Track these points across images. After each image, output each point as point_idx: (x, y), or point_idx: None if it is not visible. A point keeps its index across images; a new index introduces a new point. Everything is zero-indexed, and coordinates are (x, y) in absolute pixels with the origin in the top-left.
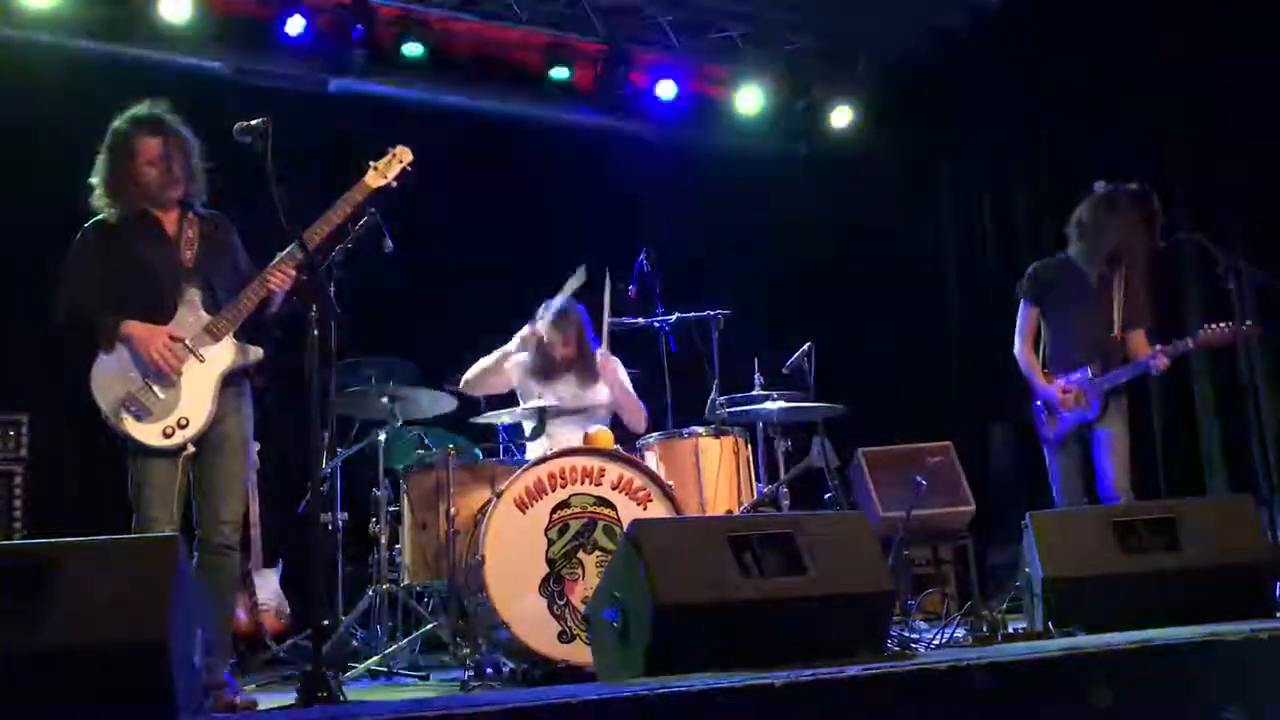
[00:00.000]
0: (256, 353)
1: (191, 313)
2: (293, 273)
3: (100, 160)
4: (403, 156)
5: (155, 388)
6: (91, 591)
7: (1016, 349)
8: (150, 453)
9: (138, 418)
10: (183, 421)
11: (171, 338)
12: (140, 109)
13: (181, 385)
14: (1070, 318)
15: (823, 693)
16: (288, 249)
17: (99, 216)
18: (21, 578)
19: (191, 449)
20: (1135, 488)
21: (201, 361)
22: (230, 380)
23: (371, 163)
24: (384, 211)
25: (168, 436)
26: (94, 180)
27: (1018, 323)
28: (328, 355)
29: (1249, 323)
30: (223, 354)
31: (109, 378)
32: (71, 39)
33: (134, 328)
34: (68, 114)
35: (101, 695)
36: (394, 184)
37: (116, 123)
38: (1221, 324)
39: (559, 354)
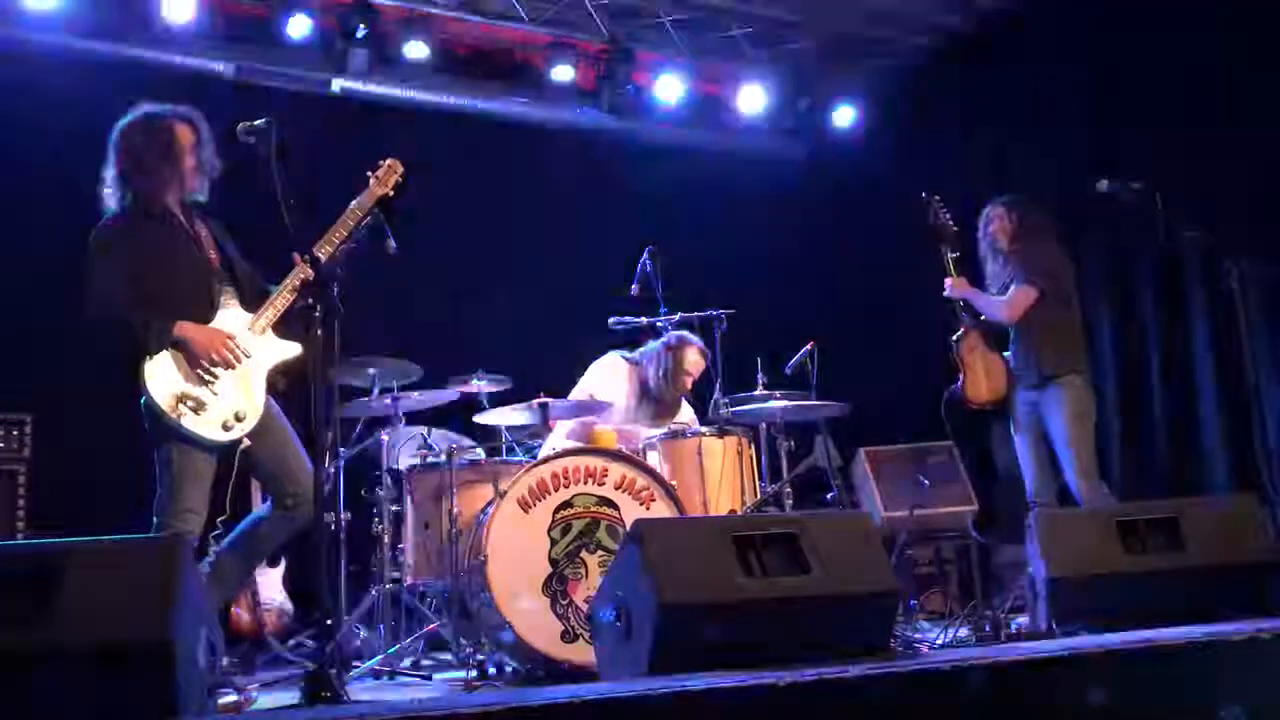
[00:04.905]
0: (295, 348)
1: (231, 311)
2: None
3: (126, 150)
4: (396, 168)
5: (209, 385)
6: (97, 592)
7: None
8: (199, 445)
9: (195, 411)
10: (240, 415)
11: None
12: (164, 105)
13: (234, 381)
14: None
15: (826, 693)
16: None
17: (115, 212)
18: (27, 578)
19: (248, 442)
20: (1137, 488)
21: (249, 357)
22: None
23: (370, 173)
24: (386, 211)
25: (227, 430)
26: (114, 172)
27: None
28: (332, 355)
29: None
30: (268, 350)
31: (164, 373)
32: (73, 39)
33: (190, 330)
34: (69, 115)
35: (107, 695)
36: (391, 193)
37: (149, 111)
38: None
39: (678, 385)
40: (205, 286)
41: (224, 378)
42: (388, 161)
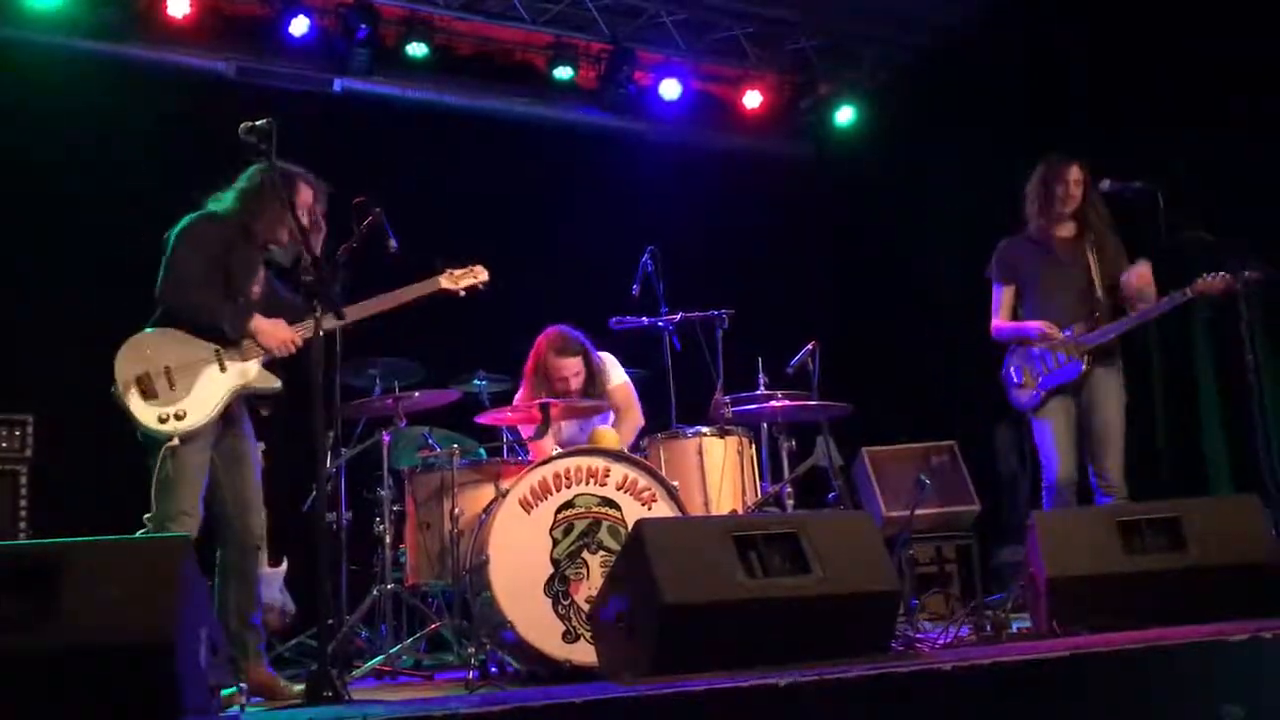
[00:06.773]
0: (274, 383)
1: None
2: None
3: (254, 182)
4: (478, 275)
5: (171, 380)
6: (98, 592)
7: (994, 326)
8: (187, 448)
9: (143, 396)
10: (180, 413)
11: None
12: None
13: (194, 385)
14: (1046, 291)
15: (827, 693)
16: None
17: (211, 211)
18: (28, 578)
19: (177, 442)
20: (1138, 488)
21: (222, 370)
22: (238, 399)
23: (449, 268)
24: (387, 211)
25: (162, 422)
26: (234, 195)
27: (993, 305)
28: (332, 355)
29: (1249, 272)
30: (244, 371)
31: (135, 355)
32: (74, 39)
33: (263, 322)
34: (70, 115)
35: (108, 696)
36: (461, 293)
37: (283, 164)
38: (1219, 273)
39: (568, 386)
40: (242, 308)
41: (186, 379)
42: (475, 266)
